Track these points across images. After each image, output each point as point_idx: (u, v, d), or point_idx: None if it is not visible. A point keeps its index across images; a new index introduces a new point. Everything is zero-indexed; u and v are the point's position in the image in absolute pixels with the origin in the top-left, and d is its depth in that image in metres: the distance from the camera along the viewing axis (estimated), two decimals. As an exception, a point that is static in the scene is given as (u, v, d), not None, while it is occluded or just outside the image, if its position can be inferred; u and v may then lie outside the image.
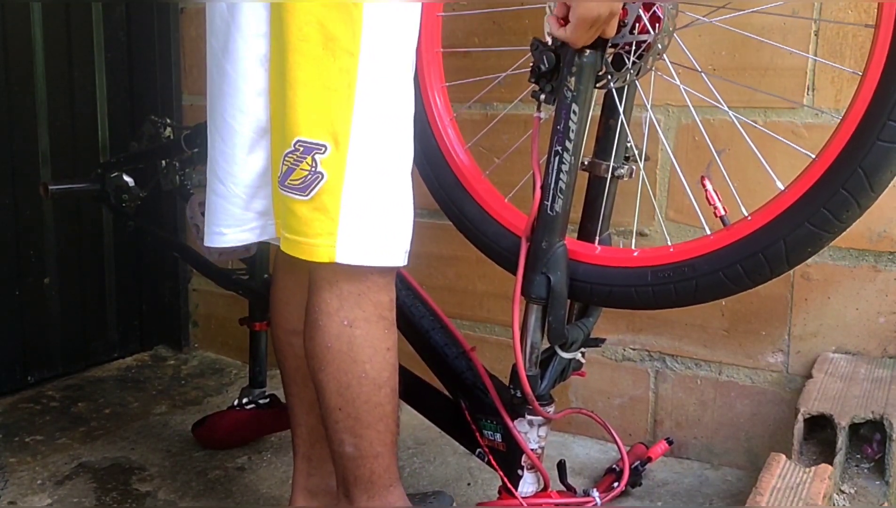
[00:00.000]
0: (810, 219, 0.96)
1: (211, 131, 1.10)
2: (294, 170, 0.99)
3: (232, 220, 1.09)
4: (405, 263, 1.06)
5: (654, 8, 1.06)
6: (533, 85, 1.14)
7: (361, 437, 1.06)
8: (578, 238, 1.21)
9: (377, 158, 1.01)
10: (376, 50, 0.98)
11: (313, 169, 0.98)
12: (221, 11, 1.06)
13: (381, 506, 1.09)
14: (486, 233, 1.22)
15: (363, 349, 1.04)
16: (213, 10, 1.08)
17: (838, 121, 0.97)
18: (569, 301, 1.16)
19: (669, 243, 1.10)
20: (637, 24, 1.07)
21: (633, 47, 1.09)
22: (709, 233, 1.05)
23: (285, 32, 0.98)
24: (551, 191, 1.11)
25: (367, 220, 1.01)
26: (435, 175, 1.28)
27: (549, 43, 1.11)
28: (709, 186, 1.07)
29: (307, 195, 0.99)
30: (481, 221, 1.23)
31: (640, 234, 1.64)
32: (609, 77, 1.11)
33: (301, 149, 0.98)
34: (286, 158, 1.00)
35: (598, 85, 1.11)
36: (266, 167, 1.06)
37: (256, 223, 1.10)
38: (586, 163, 1.17)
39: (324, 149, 0.98)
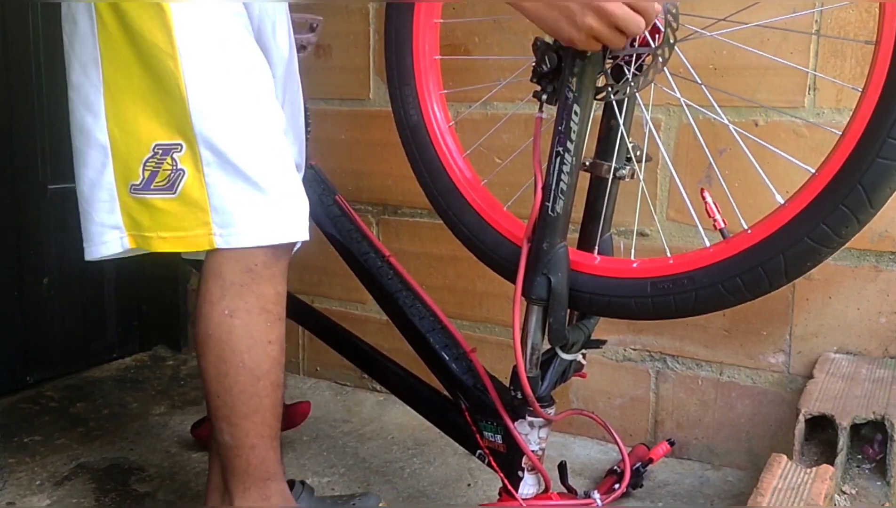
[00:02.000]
0: (810, 234, 0.96)
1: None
2: (158, 173, 1.06)
3: (87, 235, 1.14)
4: (302, 238, 1.10)
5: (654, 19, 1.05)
6: (535, 85, 1.13)
7: (237, 427, 1.09)
8: (580, 239, 1.21)
9: (227, 146, 1.05)
10: (193, 46, 1.03)
11: (175, 167, 1.05)
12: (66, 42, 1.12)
13: (257, 498, 1.11)
14: (484, 242, 1.22)
15: (241, 339, 1.07)
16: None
17: (839, 120, 0.97)
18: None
19: (672, 242, 1.09)
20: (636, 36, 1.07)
21: (633, 59, 1.08)
22: (708, 245, 1.05)
23: (114, 51, 1.05)
24: (552, 192, 1.10)
25: (237, 205, 1.05)
26: (433, 182, 1.27)
27: (552, 43, 1.10)
28: (708, 198, 1.07)
29: (175, 192, 1.06)
30: (479, 229, 1.22)
31: (641, 234, 1.64)
32: (609, 89, 1.11)
33: (160, 151, 1.05)
34: (147, 164, 1.06)
35: (597, 97, 1.10)
36: (109, 183, 1.10)
37: (109, 236, 1.14)
38: (588, 163, 1.16)
39: (179, 147, 1.05)
